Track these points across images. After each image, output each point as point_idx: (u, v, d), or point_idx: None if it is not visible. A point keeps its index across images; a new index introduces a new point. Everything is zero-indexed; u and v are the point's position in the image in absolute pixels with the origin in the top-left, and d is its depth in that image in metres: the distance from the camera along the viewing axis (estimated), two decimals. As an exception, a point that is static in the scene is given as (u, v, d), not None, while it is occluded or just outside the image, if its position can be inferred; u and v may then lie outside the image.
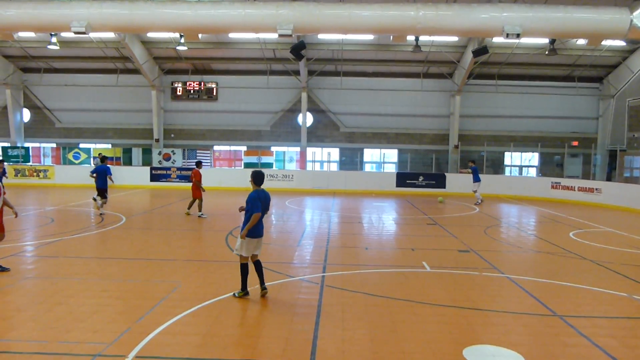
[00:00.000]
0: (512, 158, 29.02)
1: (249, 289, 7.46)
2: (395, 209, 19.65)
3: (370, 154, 30.08)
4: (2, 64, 28.29)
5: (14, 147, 28.88)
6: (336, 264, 9.87)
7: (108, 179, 16.07)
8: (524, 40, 19.31)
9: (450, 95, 28.40)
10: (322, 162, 30.05)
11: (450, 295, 7.80)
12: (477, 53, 21.19)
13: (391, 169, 29.69)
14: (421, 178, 26.60)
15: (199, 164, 16.65)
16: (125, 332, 6.00)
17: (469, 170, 22.07)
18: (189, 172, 25.81)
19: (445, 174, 26.87)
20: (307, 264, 9.80)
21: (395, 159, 29.71)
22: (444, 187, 26.17)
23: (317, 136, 29.33)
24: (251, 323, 6.42)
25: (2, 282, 7.98)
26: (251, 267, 7.43)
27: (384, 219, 16.87)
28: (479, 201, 21.79)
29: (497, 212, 19.52)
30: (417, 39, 19.61)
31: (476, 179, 21.80)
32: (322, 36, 24.41)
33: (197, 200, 16.11)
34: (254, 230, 7.22)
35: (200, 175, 16.09)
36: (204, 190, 16.17)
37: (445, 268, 9.59)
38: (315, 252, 10.97)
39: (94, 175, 16.01)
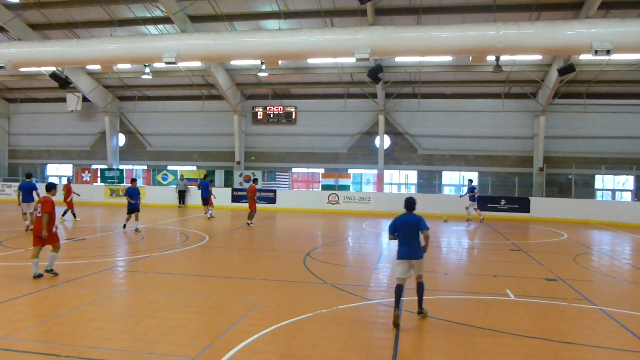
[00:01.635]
0: (603, 181, 27.13)
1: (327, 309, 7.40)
2: (476, 233, 18.98)
3: (449, 177, 29.39)
4: (102, 94, 30.90)
5: (110, 169, 31.25)
6: (414, 288, 9.65)
7: (209, 191, 21.50)
8: (615, 56, 18.20)
9: (534, 115, 27.23)
10: (399, 185, 29.77)
11: (536, 326, 7.38)
12: (563, 71, 20.24)
13: (471, 192, 28.74)
14: (503, 202, 25.54)
15: (255, 180, 20.37)
16: (208, 347, 6.22)
17: (474, 192, 22.97)
18: (270, 194, 27.46)
19: (530, 197, 25.61)
20: (385, 287, 9.68)
21: (475, 182, 28.76)
22: (528, 212, 24.93)
23: (394, 158, 29.17)
24: (328, 345, 6.42)
25: (98, 294, 8.58)
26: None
27: (463, 243, 16.35)
28: (470, 218, 23.21)
29: (588, 239, 18.28)
30: (497, 59, 19.15)
31: (472, 199, 22.75)
32: (399, 59, 24.39)
33: (252, 212, 19.21)
34: (398, 252, 7.65)
35: (256, 191, 19.46)
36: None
37: (531, 297, 9.09)
38: (393, 275, 10.79)
39: (199, 188, 21.47)
